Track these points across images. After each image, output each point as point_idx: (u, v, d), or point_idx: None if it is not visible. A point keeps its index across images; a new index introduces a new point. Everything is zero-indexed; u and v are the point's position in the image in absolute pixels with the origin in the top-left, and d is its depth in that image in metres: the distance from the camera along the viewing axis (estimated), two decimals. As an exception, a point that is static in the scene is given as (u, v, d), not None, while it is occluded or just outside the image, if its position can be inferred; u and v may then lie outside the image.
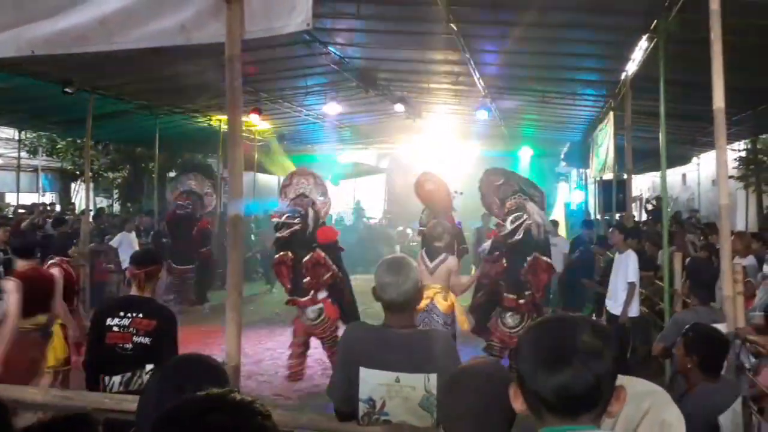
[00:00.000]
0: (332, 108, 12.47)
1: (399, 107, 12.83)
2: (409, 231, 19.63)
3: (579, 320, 1.33)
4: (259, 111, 12.46)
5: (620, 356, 4.54)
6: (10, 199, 17.18)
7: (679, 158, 16.30)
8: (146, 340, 3.44)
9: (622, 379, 1.62)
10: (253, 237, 16.02)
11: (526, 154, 18.01)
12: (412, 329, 2.54)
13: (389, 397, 2.43)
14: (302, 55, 9.91)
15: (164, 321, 3.56)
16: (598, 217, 14.59)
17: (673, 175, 19.58)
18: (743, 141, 14.58)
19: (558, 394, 1.22)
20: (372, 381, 2.44)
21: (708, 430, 2.62)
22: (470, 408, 1.72)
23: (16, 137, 15.70)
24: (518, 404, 1.31)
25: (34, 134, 17.06)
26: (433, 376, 2.38)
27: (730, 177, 14.05)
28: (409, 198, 18.66)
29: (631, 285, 6.86)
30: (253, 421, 1.10)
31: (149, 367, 3.34)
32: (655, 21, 6.38)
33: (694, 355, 2.85)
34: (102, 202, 19.77)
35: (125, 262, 10.85)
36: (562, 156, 19.36)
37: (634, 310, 6.99)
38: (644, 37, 6.89)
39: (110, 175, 19.10)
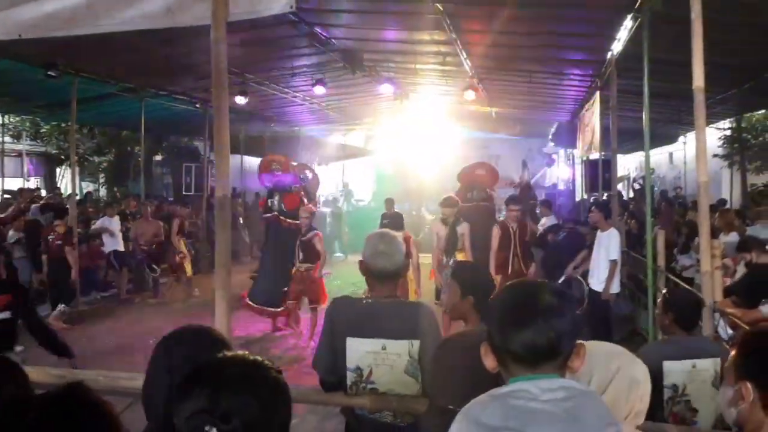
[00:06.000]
0: (319, 89, 12.42)
1: (386, 88, 12.80)
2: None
3: (541, 284, 1.51)
4: (245, 93, 12.40)
5: (604, 331, 4.74)
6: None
7: (666, 137, 16.42)
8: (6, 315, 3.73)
9: (591, 342, 1.71)
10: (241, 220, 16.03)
11: (514, 135, 18.08)
12: (395, 299, 2.67)
13: (376, 365, 2.53)
14: (288, 36, 9.85)
15: (18, 294, 3.87)
16: (585, 196, 14.71)
17: (660, 154, 19.74)
18: (728, 120, 14.72)
19: (524, 348, 1.38)
20: (359, 349, 2.54)
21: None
22: (455, 377, 1.79)
23: (0, 122, 15.52)
24: (489, 361, 1.46)
25: (17, 118, 16.87)
26: (417, 343, 2.49)
27: (715, 155, 14.28)
28: (396, 179, 18.81)
29: (613, 263, 7.00)
30: (268, 374, 1.25)
31: (18, 348, 3.64)
32: (640, 0, 6.40)
33: (669, 312, 3.22)
34: (88, 186, 19.64)
35: (107, 246, 10.88)
36: (550, 136, 19.43)
37: (616, 287, 7.14)
38: (629, 17, 6.92)
39: (96, 159, 18.96)
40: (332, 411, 4.42)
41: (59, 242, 9.20)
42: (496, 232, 7.94)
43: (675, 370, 3.03)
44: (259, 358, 1.28)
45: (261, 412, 1.18)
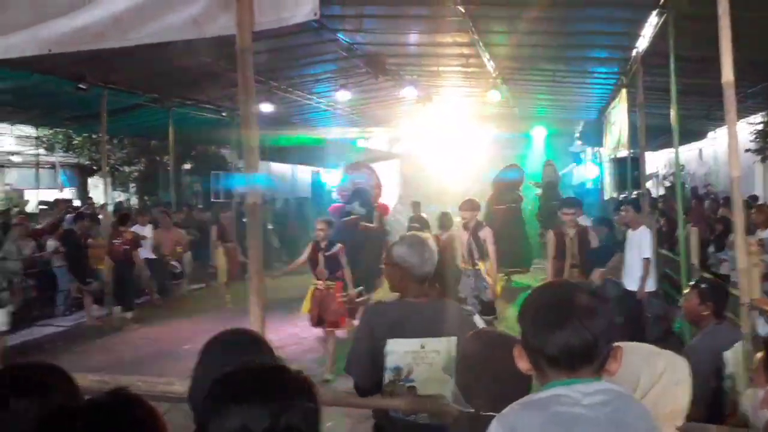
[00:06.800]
0: (342, 95, 12.49)
1: (409, 91, 12.81)
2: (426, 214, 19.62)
3: (576, 284, 1.51)
4: (270, 100, 12.52)
5: (638, 331, 4.78)
6: (30, 195, 17.45)
7: (695, 134, 16.13)
8: None
9: (631, 344, 1.69)
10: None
11: (539, 135, 17.91)
12: (427, 298, 2.70)
13: (416, 364, 2.57)
14: (311, 42, 9.93)
15: None
16: (614, 194, 14.53)
17: (689, 150, 19.37)
18: (760, 113, 14.40)
19: (560, 350, 1.34)
20: (399, 350, 2.56)
21: (713, 364, 3.03)
22: (488, 373, 1.78)
23: (34, 134, 15.90)
24: (522, 363, 1.42)
25: (50, 131, 17.27)
26: (454, 339, 2.52)
27: (747, 150, 13.97)
28: (422, 182, 18.82)
29: (646, 261, 6.88)
30: (300, 376, 1.25)
31: None
32: (665, -4, 6.32)
33: (709, 302, 3.32)
34: (119, 195, 20.00)
35: (140, 254, 11.07)
36: (577, 135, 19.25)
37: (651, 285, 7.02)
38: (654, 13, 6.83)
39: (126, 169, 19.30)
40: (366, 414, 4.43)
41: (126, 247, 9.78)
42: (550, 237, 7.13)
43: (730, 358, 3.09)
44: (281, 364, 1.28)
45: (315, 416, 1.18)
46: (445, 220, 7.68)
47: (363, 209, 8.58)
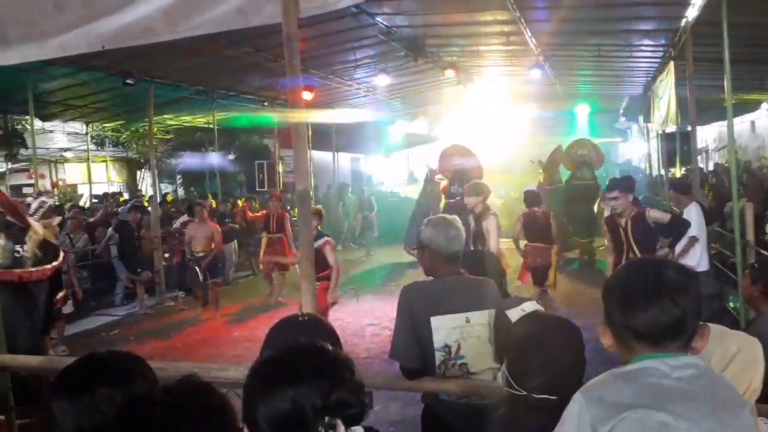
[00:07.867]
0: (382, 80, 12.46)
1: (449, 73, 12.70)
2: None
3: (663, 261, 1.54)
4: (310, 88, 12.57)
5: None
6: (83, 189, 18.01)
7: (747, 105, 15.53)
8: None
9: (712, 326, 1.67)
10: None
11: (583, 112, 17.52)
12: (460, 275, 2.74)
13: (463, 339, 2.58)
14: (350, 28, 9.91)
15: None
16: (662, 172, 14.14)
17: (741, 123, 18.67)
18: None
19: (650, 326, 1.36)
20: (445, 327, 2.57)
21: None
22: (542, 356, 1.76)
23: (84, 131, 16.35)
24: (606, 340, 1.45)
25: (100, 126, 17.74)
26: (493, 312, 2.56)
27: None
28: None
29: (692, 238, 6.61)
30: (342, 353, 1.27)
31: None
32: (717, -39, 6.07)
33: (759, 283, 3.16)
34: (166, 187, 20.45)
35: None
36: (621, 111, 18.77)
37: (703, 264, 6.78)
38: (704, -20, 6.59)
39: (172, 161, 19.72)
40: (414, 397, 4.46)
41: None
42: (605, 227, 6.25)
43: None
44: (318, 343, 1.27)
45: (362, 390, 1.19)
46: (531, 197, 7.67)
47: (460, 189, 8.81)
